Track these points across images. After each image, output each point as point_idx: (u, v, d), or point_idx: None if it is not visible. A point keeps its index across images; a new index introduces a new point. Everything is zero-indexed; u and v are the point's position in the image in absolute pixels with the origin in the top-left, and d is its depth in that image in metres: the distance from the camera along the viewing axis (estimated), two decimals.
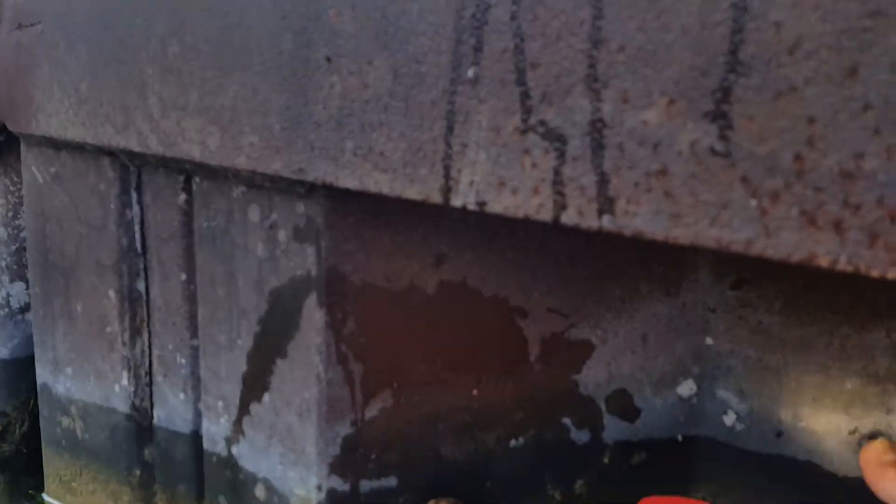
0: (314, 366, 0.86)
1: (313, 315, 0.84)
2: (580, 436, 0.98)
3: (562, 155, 0.56)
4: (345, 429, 0.88)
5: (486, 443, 0.94)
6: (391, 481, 0.91)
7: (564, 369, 0.96)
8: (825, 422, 0.90)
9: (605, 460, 0.99)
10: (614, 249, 0.98)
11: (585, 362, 0.96)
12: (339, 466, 0.88)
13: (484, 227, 0.92)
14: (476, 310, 0.92)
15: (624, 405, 0.98)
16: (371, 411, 0.89)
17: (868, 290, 0.88)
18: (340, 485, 0.89)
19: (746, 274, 0.97)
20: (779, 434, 0.93)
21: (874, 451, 0.78)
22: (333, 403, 0.87)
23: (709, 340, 0.99)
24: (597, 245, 0.97)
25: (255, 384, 0.94)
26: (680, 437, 1.00)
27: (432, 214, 0.89)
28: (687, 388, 0.99)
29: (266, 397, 0.93)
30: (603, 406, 0.98)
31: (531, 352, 0.95)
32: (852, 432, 0.88)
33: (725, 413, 0.97)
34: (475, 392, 0.93)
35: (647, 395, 0.99)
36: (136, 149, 0.91)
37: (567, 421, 0.97)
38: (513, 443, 0.96)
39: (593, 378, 0.97)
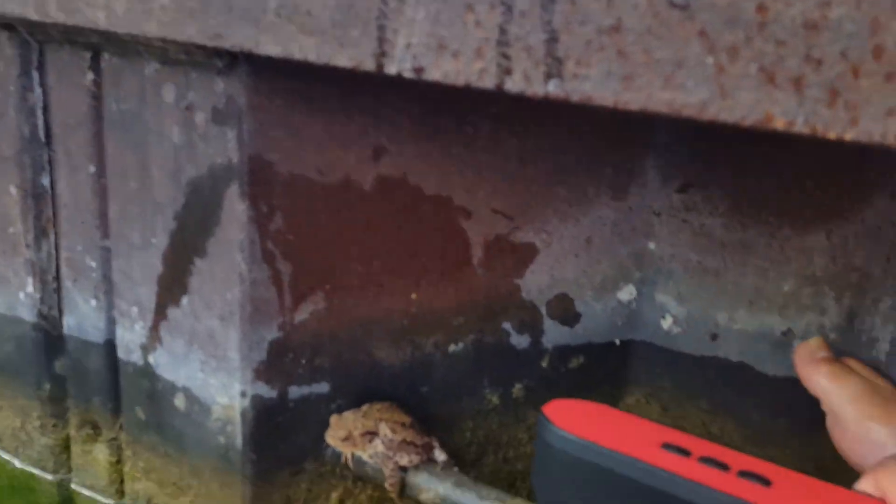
0: (236, 264, 0.79)
1: (235, 208, 0.77)
2: (520, 340, 0.96)
3: (509, 10, 0.50)
4: (271, 332, 0.82)
5: (423, 348, 0.91)
6: (323, 387, 0.87)
7: (507, 273, 0.92)
8: (759, 324, 0.91)
9: (544, 364, 0.98)
10: (563, 152, 0.94)
11: (529, 266, 0.93)
12: (265, 372, 0.83)
13: (427, 119, 0.85)
14: (417, 208, 0.87)
15: (565, 310, 0.96)
16: (301, 314, 0.83)
17: (813, 192, 0.87)
18: (267, 392, 0.84)
19: (693, 177, 0.95)
20: (714, 336, 0.93)
21: (808, 348, 0.79)
22: (259, 305, 0.80)
23: (651, 245, 0.98)
24: (546, 144, 0.92)
25: (172, 287, 0.87)
26: (618, 342, 1.00)
27: (370, 103, 0.81)
28: (627, 292, 0.98)
29: (184, 300, 0.86)
30: (544, 311, 0.95)
31: (474, 254, 0.90)
32: (785, 333, 0.89)
33: (663, 317, 0.97)
34: (414, 296, 0.88)
35: (588, 299, 0.97)
36: (35, 17, 0.78)
37: (508, 326, 0.94)
38: (452, 348, 0.92)
39: (536, 282, 0.94)
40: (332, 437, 0.82)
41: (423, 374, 0.92)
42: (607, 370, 1.01)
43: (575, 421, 0.71)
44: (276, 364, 0.83)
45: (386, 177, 0.84)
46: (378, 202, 0.84)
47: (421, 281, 0.88)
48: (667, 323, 0.96)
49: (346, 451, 0.84)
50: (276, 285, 0.81)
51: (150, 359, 0.92)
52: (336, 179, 0.81)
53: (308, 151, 0.79)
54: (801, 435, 0.91)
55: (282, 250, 0.80)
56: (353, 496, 0.93)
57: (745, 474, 0.59)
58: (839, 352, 0.79)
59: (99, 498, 1.03)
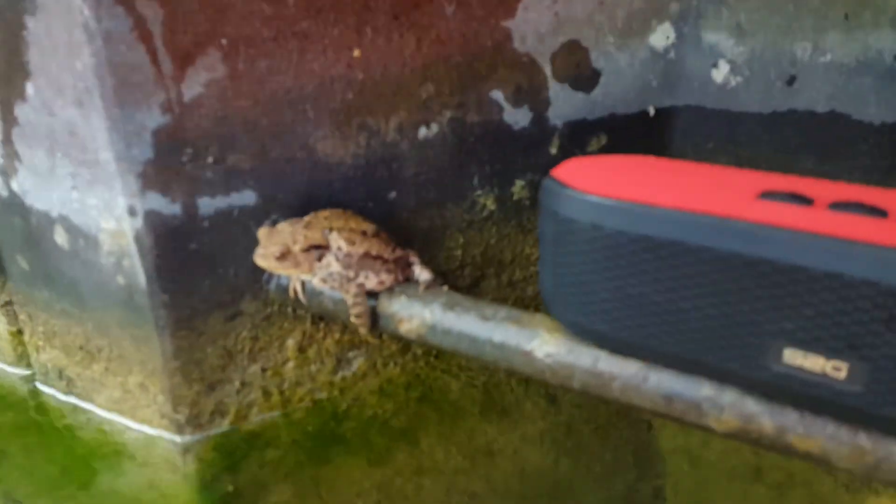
0: (76, 12, 0.52)
1: None
2: (518, 116, 0.69)
3: None
4: (153, 117, 0.56)
5: (382, 134, 0.65)
6: (247, 196, 0.62)
7: (491, 12, 0.64)
8: (861, 48, 0.63)
9: (553, 150, 0.72)
10: None
11: (521, 0, 0.65)
12: (156, 178, 0.58)
13: None
14: None
15: (577, 66, 0.69)
16: (192, 87, 0.57)
17: None
18: (166, 206, 0.59)
19: None
20: (791, 80, 0.66)
21: None
22: (124, 75, 0.54)
23: None
24: None
25: (10, 73, 0.60)
26: (652, 110, 0.73)
27: None
28: (662, 35, 0.70)
29: (30, 89, 0.60)
30: (548, 69, 0.68)
31: None
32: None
33: (715, 65, 0.70)
34: (357, 53, 0.61)
35: (609, 49, 0.69)
36: None
37: (498, 95, 0.68)
38: (423, 132, 0.67)
39: (533, 25, 0.66)
40: (264, 257, 0.58)
41: (386, 172, 0.66)
42: (640, 152, 0.75)
43: (603, 181, 0.46)
44: (169, 165, 0.58)
45: None
46: None
47: (364, 29, 0.60)
48: (721, 73, 0.69)
49: (286, 273, 0.60)
50: (143, 41, 0.54)
51: (14, 186, 0.67)
52: None
53: None
54: None
55: None
56: (315, 342, 0.71)
57: None
58: None
59: (12, 371, 0.82)
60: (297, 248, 0.58)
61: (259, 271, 0.65)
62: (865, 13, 0.61)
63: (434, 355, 0.78)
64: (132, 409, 0.72)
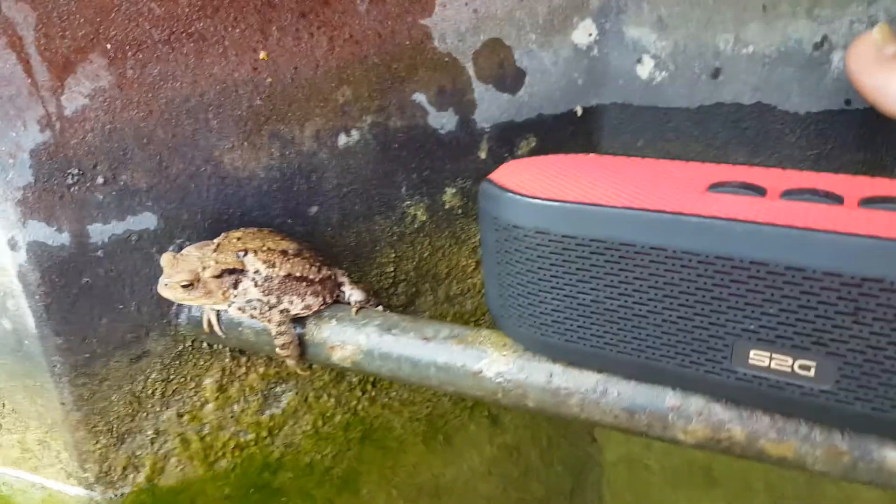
0: None
1: None
2: (443, 120, 0.65)
3: None
4: (30, 135, 0.49)
5: (296, 141, 0.59)
6: (147, 219, 0.55)
7: (407, 9, 0.60)
8: (781, 39, 0.62)
9: (482, 154, 0.69)
10: None
11: None
12: (39, 205, 0.51)
13: None
14: None
15: (501, 66, 0.66)
16: (74, 98, 0.50)
17: None
18: (52, 236, 0.52)
19: None
20: (716, 73, 0.65)
21: (869, 45, 0.52)
22: None
23: None
24: None
25: None
26: (579, 110, 0.71)
27: None
28: (584, 31, 0.68)
29: None
30: (471, 69, 0.65)
31: None
32: (819, 45, 0.61)
33: (639, 61, 0.68)
34: (263, 55, 0.56)
35: (532, 47, 0.67)
36: None
37: (420, 98, 0.63)
38: (342, 139, 0.61)
39: (452, 22, 0.62)
40: (169, 287, 0.51)
41: (305, 184, 0.61)
42: (570, 153, 0.73)
43: (546, 183, 0.42)
44: (53, 188, 0.51)
45: None
46: None
47: (269, 28, 0.55)
48: (646, 69, 0.68)
49: (196, 303, 0.53)
50: (13, 49, 0.47)
51: None
52: None
53: None
54: None
55: None
56: (237, 379, 0.64)
57: (876, 203, 0.33)
58: None
59: None
60: (207, 275, 0.52)
61: (166, 304, 0.58)
62: (783, 4, 0.61)
63: (372, 382, 0.72)
64: (34, 469, 0.63)
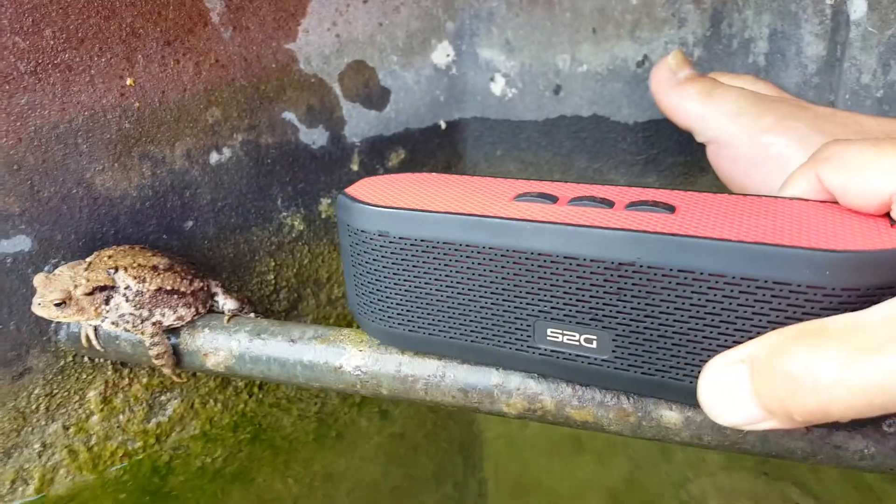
0: None
1: None
2: (314, 136, 0.70)
3: None
4: None
5: (168, 161, 0.63)
6: (20, 242, 0.58)
7: (270, 34, 0.65)
8: (610, 58, 0.71)
9: (355, 167, 0.74)
10: None
11: (300, 21, 0.66)
12: None
13: None
14: None
15: (366, 85, 0.71)
16: None
17: None
18: None
19: None
20: (557, 89, 0.73)
21: (665, 71, 0.60)
22: None
23: None
24: None
25: None
26: (443, 124, 0.77)
27: None
28: (443, 52, 0.74)
29: None
30: (338, 89, 0.70)
31: (211, 7, 0.61)
32: (641, 63, 0.70)
33: (492, 79, 0.75)
34: (129, 81, 0.59)
35: (395, 68, 0.72)
36: None
37: (290, 116, 0.68)
38: (214, 157, 0.65)
39: (316, 46, 0.67)
40: (42, 306, 0.54)
41: (178, 201, 0.64)
42: (437, 163, 0.79)
43: (388, 195, 0.48)
44: None
45: None
46: None
47: (134, 56, 0.58)
48: (498, 86, 0.75)
49: (70, 320, 0.56)
50: None
51: None
52: None
53: None
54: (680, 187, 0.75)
55: None
56: (120, 390, 0.66)
57: (637, 206, 0.40)
58: (707, 71, 0.61)
59: None
60: (79, 293, 0.55)
61: (45, 322, 0.60)
62: (608, 27, 0.69)
63: (258, 385, 0.76)
64: None
